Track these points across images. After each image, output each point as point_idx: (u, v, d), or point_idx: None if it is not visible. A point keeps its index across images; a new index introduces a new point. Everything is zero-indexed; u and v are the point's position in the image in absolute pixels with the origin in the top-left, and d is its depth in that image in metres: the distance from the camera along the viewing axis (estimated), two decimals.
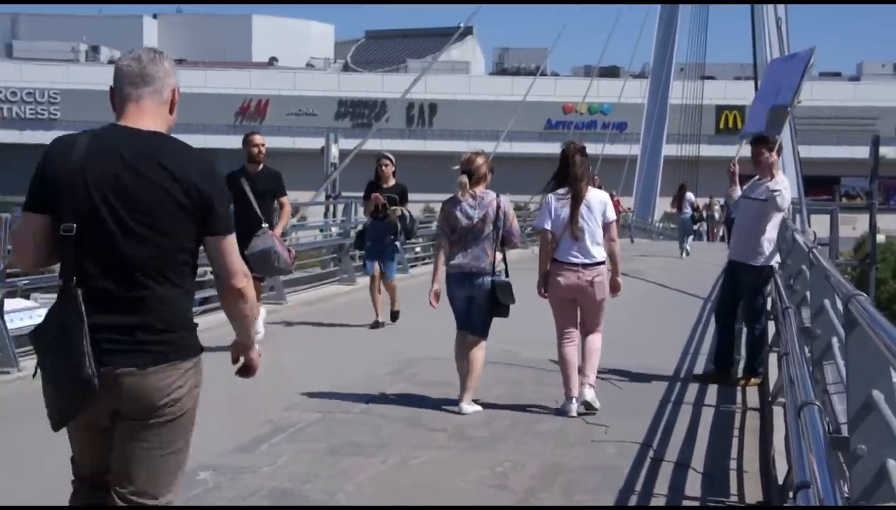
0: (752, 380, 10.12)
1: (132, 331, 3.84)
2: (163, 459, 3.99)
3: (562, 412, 8.77)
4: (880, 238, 25.07)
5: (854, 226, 48.07)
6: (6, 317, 10.19)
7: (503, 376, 10.41)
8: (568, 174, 8.91)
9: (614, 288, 9.08)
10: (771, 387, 9.23)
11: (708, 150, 68.69)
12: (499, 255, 9.02)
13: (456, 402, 8.79)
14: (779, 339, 9.39)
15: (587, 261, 8.82)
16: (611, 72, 77.47)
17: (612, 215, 9.03)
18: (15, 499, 6.21)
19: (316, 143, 50.40)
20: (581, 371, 8.91)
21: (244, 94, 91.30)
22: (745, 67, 61.32)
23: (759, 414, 8.89)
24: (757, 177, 10.48)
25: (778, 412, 7.84)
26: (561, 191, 8.96)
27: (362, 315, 13.85)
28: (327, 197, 27.52)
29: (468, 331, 9.02)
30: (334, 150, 38.74)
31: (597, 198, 9.00)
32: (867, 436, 3.71)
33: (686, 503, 6.37)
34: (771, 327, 11.07)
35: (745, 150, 11.25)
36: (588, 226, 8.82)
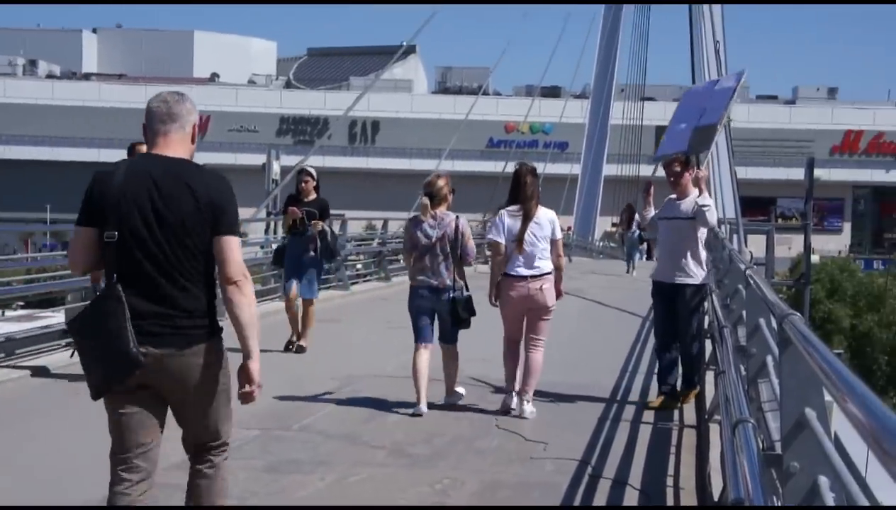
0: (691, 392, 10.11)
1: (163, 318, 4.68)
2: (214, 407, 5.07)
3: (504, 407, 9.50)
4: (815, 258, 25.36)
5: (789, 246, 48.64)
6: None
7: (441, 393, 10.41)
8: (519, 193, 9.55)
9: (557, 293, 9.65)
10: (708, 404, 9.32)
11: (648, 170, 69.23)
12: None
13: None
14: (716, 358, 9.49)
15: (535, 272, 9.43)
16: (552, 92, 77.87)
17: (559, 233, 9.73)
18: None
19: (257, 159, 50.22)
20: (522, 385, 9.48)
21: None
22: (685, 89, 61.95)
23: (696, 431, 8.95)
24: (674, 196, 10.23)
25: (714, 429, 7.90)
26: (513, 208, 9.57)
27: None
28: (268, 213, 27.36)
29: (441, 342, 9.77)
30: (276, 167, 38.55)
31: (546, 216, 9.58)
32: (800, 454, 3.75)
33: None
34: (708, 346, 11.17)
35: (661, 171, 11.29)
36: (536, 241, 9.45)
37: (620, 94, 59.12)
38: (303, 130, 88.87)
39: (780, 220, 76.33)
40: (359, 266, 25.07)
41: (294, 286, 12.83)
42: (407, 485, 7.02)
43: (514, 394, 9.52)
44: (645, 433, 8.89)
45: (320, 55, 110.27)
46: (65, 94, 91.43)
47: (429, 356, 9.66)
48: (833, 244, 79.15)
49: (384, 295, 20.64)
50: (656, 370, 10.50)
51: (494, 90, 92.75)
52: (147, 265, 4.69)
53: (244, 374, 4.85)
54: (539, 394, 10.17)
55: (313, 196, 13.01)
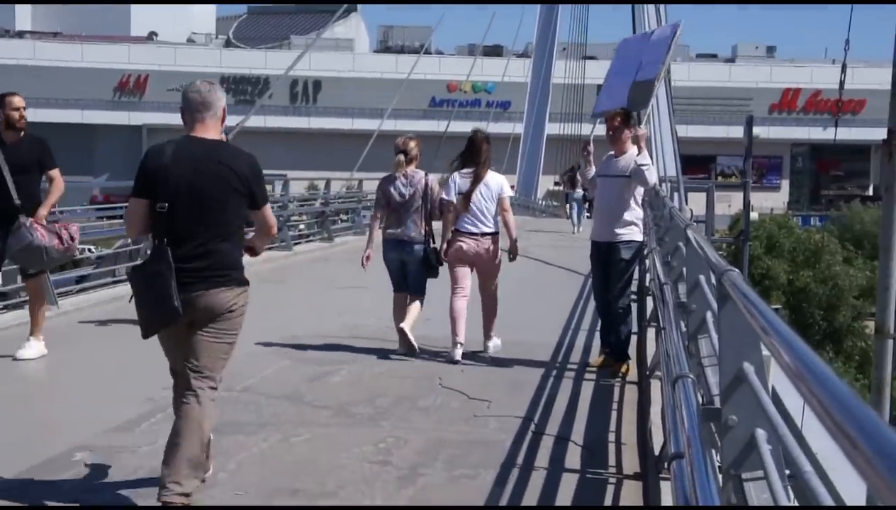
0: (621, 366, 9.69)
1: (203, 270, 5.75)
2: (217, 346, 5.96)
3: (450, 358, 10.11)
4: (754, 215, 25.54)
5: (729, 203, 49.00)
6: None
7: (386, 352, 10.43)
8: (473, 157, 10.51)
9: (513, 252, 10.66)
10: (649, 360, 9.41)
11: (590, 129, 69.50)
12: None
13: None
14: (657, 315, 9.56)
15: (483, 230, 10.39)
16: (495, 51, 77.77)
17: (506, 192, 10.65)
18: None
19: None
20: (485, 327, 10.59)
21: (122, 69, 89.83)
22: None
23: (638, 387, 9.04)
24: (612, 153, 10.00)
25: (655, 385, 7.99)
26: (466, 170, 10.51)
27: (252, 293, 13.74)
28: None
29: (408, 292, 10.56)
30: None
31: (494, 179, 10.52)
32: (738, 407, 3.79)
33: (566, 475, 6.45)
34: (649, 303, 11.26)
35: (600, 129, 11.22)
36: (484, 201, 10.39)
37: (562, 53, 59.12)
38: (244, 90, 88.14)
39: (719, 178, 76.46)
40: (301, 226, 24.99)
41: None
42: (350, 445, 7.03)
43: (458, 346, 10.15)
44: (587, 390, 8.97)
45: (260, 13, 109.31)
46: None
47: (405, 301, 10.55)
48: (772, 201, 79.91)
49: (327, 255, 20.62)
50: (598, 328, 10.47)
51: (437, 49, 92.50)
52: (191, 230, 5.74)
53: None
54: (481, 353, 10.27)
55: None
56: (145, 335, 5.88)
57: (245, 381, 8.77)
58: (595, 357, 10.11)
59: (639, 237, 9.98)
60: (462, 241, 10.41)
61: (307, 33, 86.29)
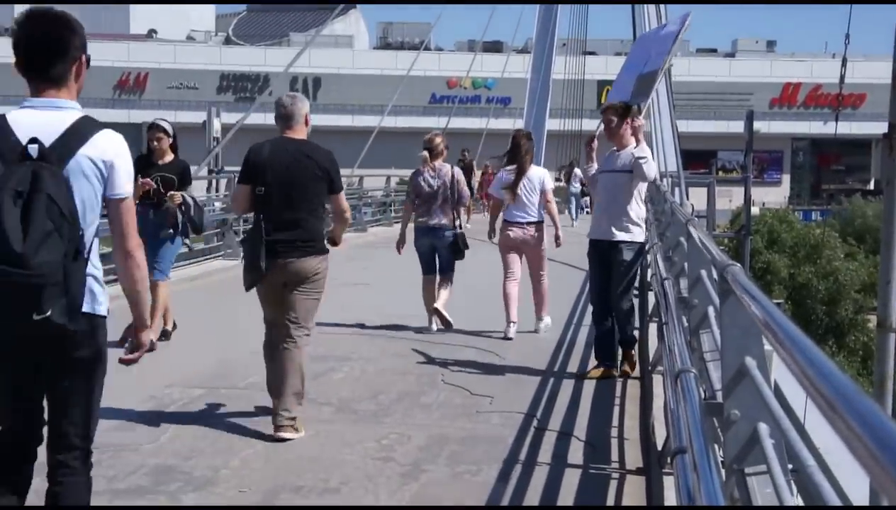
0: (627, 366, 9.50)
1: (294, 241, 7.32)
2: (308, 302, 7.45)
3: (504, 335, 11.27)
4: (755, 210, 25.55)
5: (730, 198, 48.92)
6: None
7: (389, 349, 10.46)
8: (516, 153, 11.61)
9: (557, 240, 11.96)
10: (651, 355, 9.40)
11: (590, 125, 69.21)
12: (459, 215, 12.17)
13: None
14: (658, 310, 9.55)
15: (529, 219, 11.51)
16: (494, 46, 77.64)
17: (548, 185, 11.75)
18: None
19: (198, 117, 49.71)
20: (536, 309, 11.78)
21: (122, 67, 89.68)
22: (626, 43, 61.96)
23: (640, 382, 9.04)
24: (614, 148, 9.69)
25: (657, 380, 7.98)
26: (510, 167, 11.64)
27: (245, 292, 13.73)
28: (210, 172, 27.15)
29: (440, 273, 11.84)
30: (217, 125, 38.33)
31: (536, 173, 11.67)
32: (740, 402, 3.80)
33: (569, 470, 6.46)
34: (651, 298, 11.24)
35: None
36: (527, 193, 11.48)
37: (562, 49, 59.07)
38: (243, 87, 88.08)
39: (720, 173, 76.88)
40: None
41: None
42: (354, 441, 7.05)
43: (511, 324, 11.33)
44: (589, 385, 8.96)
45: (260, 11, 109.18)
46: None
47: (435, 284, 11.80)
48: (772, 196, 79.78)
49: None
50: (594, 338, 9.83)
51: (436, 45, 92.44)
52: (283, 209, 7.34)
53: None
54: (487, 350, 10.28)
55: (170, 157, 10.51)
56: (247, 289, 7.62)
57: (249, 378, 8.79)
58: (591, 367, 9.56)
59: (641, 238, 9.60)
60: (510, 230, 11.57)
61: (306, 30, 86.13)
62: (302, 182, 7.39)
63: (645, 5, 44.07)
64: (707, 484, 3.21)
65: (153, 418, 7.55)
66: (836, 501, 2.61)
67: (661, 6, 43.24)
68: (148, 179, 10.14)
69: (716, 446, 3.98)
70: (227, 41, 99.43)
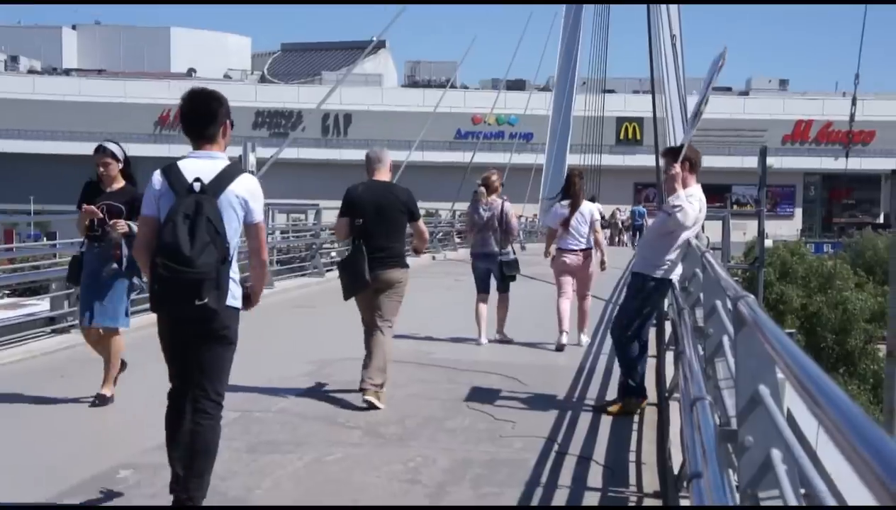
0: (632, 403, 8.97)
1: (384, 258, 9.10)
2: (393, 303, 9.27)
3: (557, 345, 12.39)
4: (768, 243, 25.43)
5: (744, 231, 48.81)
6: None
7: (415, 375, 10.45)
8: (570, 189, 12.85)
9: (602, 265, 13.20)
10: (668, 383, 9.36)
11: (609, 160, 69.48)
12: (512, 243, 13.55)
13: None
14: (675, 338, 9.52)
15: (579, 247, 12.74)
16: (517, 84, 77.72)
17: (596, 216, 13.02)
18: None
19: (234, 151, 49.90)
20: (579, 325, 12.95)
21: (163, 104, 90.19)
22: (644, 82, 61.87)
23: (657, 408, 8.99)
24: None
25: (674, 407, 7.95)
26: (565, 202, 12.83)
27: (279, 318, 13.77)
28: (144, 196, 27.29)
29: (498, 293, 13.18)
30: (252, 159, 38.30)
31: (587, 207, 12.89)
32: (754, 429, 3.78)
33: (588, 493, 6.43)
34: (668, 327, 11.20)
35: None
36: (579, 225, 12.69)
37: (582, 87, 59.12)
38: (277, 123, 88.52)
39: (735, 207, 76.67)
40: (333, 254, 24.98)
41: (92, 311, 8.83)
42: (381, 464, 7.04)
43: (563, 333, 12.42)
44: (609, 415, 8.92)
45: (293, 50, 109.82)
46: (46, 88, 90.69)
47: (486, 304, 13.01)
48: (785, 229, 79.50)
49: None
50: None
51: (462, 83, 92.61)
52: (375, 234, 9.14)
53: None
54: (510, 377, 10.27)
55: (120, 184, 8.97)
56: (346, 298, 9.34)
57: (280, 403, 8.81)
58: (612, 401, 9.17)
59: (658, 274, 8.97)
60: (564, 257, 12.78)
61: (338, 69, 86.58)
62: (389, 214, 9.23)
63: (662, 45, 44.03)
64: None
65: None
66: None
67: (678, 54, 43.12)
68: (92, 207, 8.68)
69: (730, 471, 3.97)
70: (263, 79, 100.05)
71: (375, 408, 8.73)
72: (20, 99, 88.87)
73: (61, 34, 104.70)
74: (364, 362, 9.02)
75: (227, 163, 5.86)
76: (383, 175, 9.46)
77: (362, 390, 8.81)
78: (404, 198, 9.32)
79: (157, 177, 5.79)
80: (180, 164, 5.81)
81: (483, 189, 13.22)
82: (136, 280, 8.85)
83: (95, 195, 8.84)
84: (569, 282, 12.83)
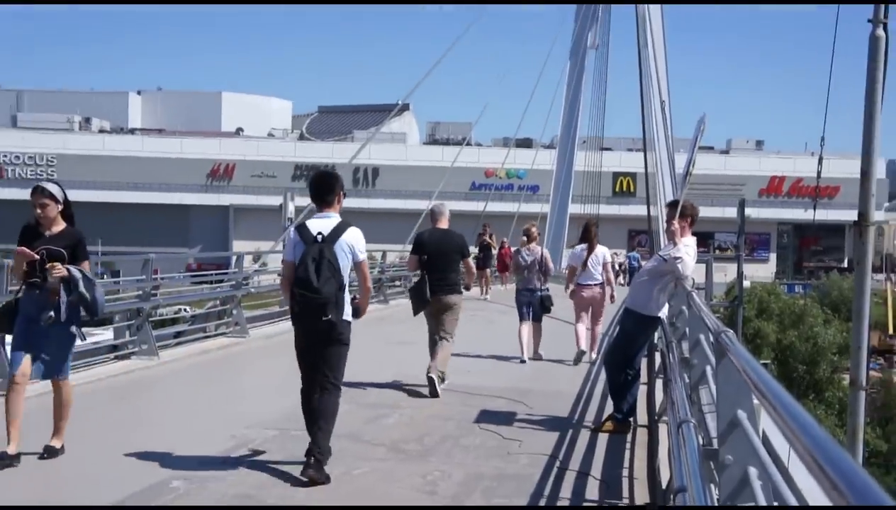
0: (616, 425, 8.85)
1: (443, 286, 10.88)
2: (452, 321, 11.05)
3: (576, 357, 13.68)
4: (746, 283, 25.35)
5: (725, 273, 48.66)
6: (7, 349, 9.99)
7: (432, 399, 10.41)
8: (588, 236, 13.89)
9: (612, 298, 14.23)
10: (657, 407, 9.32)
11: (606, 209, 69.26)
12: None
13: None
14: (664, 367, 9.48)
15: (595, 282, 13.90)
16: (525, 142, 77.77)
17: (608, 259, 14.09)
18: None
19: (276, 200, 50.13)
20: (591, 345, 14.12)
21: (214, 159, 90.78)
22: (637, 141, 61.99)
23: (647, 430, 8.96)
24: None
25: (662, 428, 7.92)
26: (582, 245, 13.93)
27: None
28: (285, 246, 27.39)
29: (533, 321, 14.25)
30: (291, 207, 38.62)
31: (601, 250, 13.94)
32: (733, 449, 3.77)
33: (586, 504, 6.39)
34: (657, 358, 11.16)
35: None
36: (594, 265, 13.83)
37: (582, 145, 59.20)
38: None
39: (717, 252, 76.50)
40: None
41: (25, 361, 7.17)
42: (403, 477, 7.02)
43: (581, 349, 13.72)
44: (604, 433, 8.88)
45: (329, 112, 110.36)
46: (114, 145, 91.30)
47: (529, 329, 14.11)
48: (761, 271, 79.19)
49: (383, 315, 20.63)
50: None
51: (476, 141, 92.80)
52: (437, 268, 10.93)
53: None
54: (517, 400, 10.24)
55: (60, 227, 7.40)
56: (415, 314, 11.24)
57: None
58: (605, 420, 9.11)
59: (648, 312, 8.91)
60: (583, 291, 13.89)
61: (367, 128, 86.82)
62: (447, 252, 11.06)
63: (652, 109, 44.12)
64: None
65: (234, 455, 7.55)
66: None
67: (666, 117, 43.22)
68: (25, 248, 7.22)
69: (712, 486, 3.94)
70: (301, 137, 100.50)
71: (436, 393, 10.55)
72: (92, 155, 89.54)
73: (128, 98, 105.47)
74: (431, 357, 10.94)
75: (339, 220, 7.18)
76: (443, 223, 11.23)
77: (428, 372, 10.71)
78: (459, 241, 11.23)
79: (292, 231, 7.30)
80: (308, 222, 7.20)
81: (524, 238, 14.61)
82: (73, 329, 7.36)
83: (35, 239, 7.28)
84: (586, 311, 13.96)
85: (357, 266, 7.27)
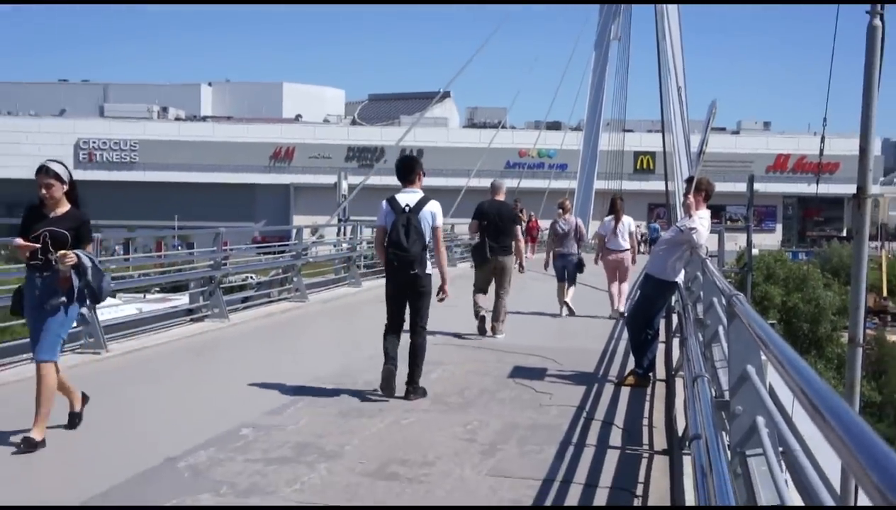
0: (637, 379, 8.79)
1: (499, 248, 11.93)
2: (505, 278, 11.99)
3: (613, 314, 14.27)
4: (755, 251, 25.12)
5: (736, 242, 48.17)
6: (98, 311, 10.15)
7: (472, 356, 10.43)
8: (614, 209, 14.65)
9: (633, 260, 14.85)
10: (674, 363, 9.28)
11: (628, 185, 68.74)
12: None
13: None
14: (681, 327, 9.43)
15: (621, 248, 14.58)
16: (554, 125, 76.97)
17: (632, 228, 14.90)
18: (109, 449, 6.20)
19: (330, 179, 50.18)
20: (619, 299, 14.48)
21: (276, 143, 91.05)
22: (655, 123, 61.44)
23: (665, 384, 8.93)
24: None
25: (679, 382, 7.89)
26: (610, 216, 14.69)
27: (367, 310, 13.83)
28: (339, 220, 27.40)
29: (568, 281, 14.86)
30: (344, 185, 38.61)
31: (626, 220, 14.65)
32: (743, 400, 3.75)
33: (610, 451, 6.39)
34: (675, 319, 11.10)
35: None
36: (621, 232, 14.52)
37: (606, 127, 58.70)
38: (365, 157, 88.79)
39: (728, 223, 75.78)
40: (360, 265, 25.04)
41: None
42: (445, 426, 7.04)
43: (615, 309, 14.32)
44: (626, 387, 8.86)
45: (378, 99, 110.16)
46: (188, 132, 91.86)
47: (564, 287, 14.76)
48: (768, 241, 78.41)
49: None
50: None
51: (511, 124, 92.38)
52: (494, 232, 11.80)
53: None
54: (547, 358, 10.23)
55: (64, 208, 6.49)
56: (477, 269, 12.30)
57: (366, 377, 8.83)
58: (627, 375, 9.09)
59: (663, 276, 8.88)
60: (611, 255, 14.59)
61: (412, 113, 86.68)
62: (502, 219, 12.00)
63: (670, 95, 43.65)
64: (717, 462, 3.17)
65: (295, 407, 7.61)
66: (816, 476, 2.57)
67: (683, 101, 42.74)
68: (19, 240, 6.38)
69: (723, 433, 3.92)
70: (353, 122, 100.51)
71: (484, 331, 11.85)
72: (169, 140, 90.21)
73: (200, 89, 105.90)
74: (493, 312, 11.92)
75: (422, 194, 8.14)
76: (500, 196, 12.34)
77: (493, 330, 11.83)
78: (511, 212, 12.40)
79: (384, 203, 8.07)
80: (397, 196, 8.09)
81: (560, 210, 15.39)
82: (85, 310, 7.17)
83: (38, 220, 6.42)
84: (615, 274, 14.67)
85: (434, 231, 8.07)
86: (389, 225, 7.95)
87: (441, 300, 8.26)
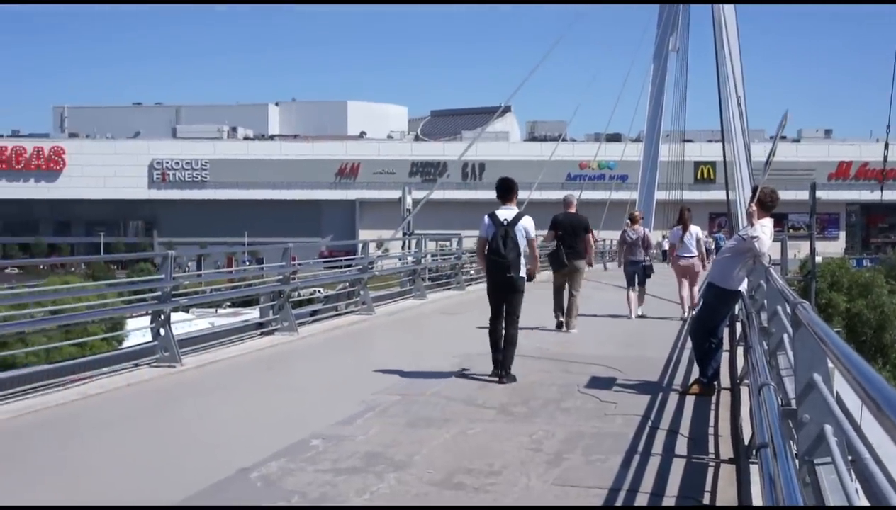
0: (702, 388, 8.60)
1: (572, 254, 13.46)
2: (578, 280, 13.66)
3: (681, 316, 15.17)
4: (818, 259, 24.73)
5: (798, 250, 47.45)
6: (172, 326, 10.32)
7: (535, 367, 10.38)
8: (682, 219, 15.22)
9: (703, 265, 15.23)
10: (739, 372, 9.13)
11: (689, 195, 68.04)
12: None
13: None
14: (745, 336, 9.28)
15: (690, 255, 15.28)
16: (614, 137, 76.48)
17: (701, 237, 15.53)
18: (185, 458, 6.28)
19: (395, 194, 50.48)
20: (690, 306, 14.83)
21: (341, 159, 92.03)
22: (715, 132, 60.73)
23: (730, 392, 8.78)
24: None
25: (744, 391, 7.76)
26: (678, 227, 15.40)
27: (431, 322, 13.84)
28: (404, 234, 27.54)
29: (638, 286, 16.15)
30: (408, 200, 38.78)
31: (694, 229, 15.28)
32: (810, 408, 3.68)
33: (675, 460, 6.30)
34: (739, 328, 10.92)
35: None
36: (690, 240, 15.22)
37: (666, 138, 58.24)
38: (428, 172, 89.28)
39: (791, 231, 74.60)
40: (472, 271, 25.07)
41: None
42: (511, 436, 7.00)
43: (685, 310, 15.07)
44: (691, 395, 8.73)
45: (440, 115, 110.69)
46: (257, 150, 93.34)
47: (635, 293, 15.90)
48: (832, 248, 77.00)
49: (481, 295, 20.52)
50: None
51: (571, 137, 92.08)
52: (569, 240, 13.36)
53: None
54: (611, 367, 10.14)
55: None
56: (555, 272, 13.76)
57: (433, 388, 8.83)
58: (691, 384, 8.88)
59: (725, 285, 8.64)
60: (680, 261, 15.32)
61: (474, 128, 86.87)
62: (576, 229, 13.55)
63: (730, 104, 43.12)
64: (785, 471, 3.11)
65: (364, 418, 7.64)
66: (887, 484, 2.50)
67: (742, 111, 42.18)
68: None
69: (791, 442, 3.85)
70: (416, 138, 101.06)
71: (561, 327, 13.43)
72: (238, 159, 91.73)
73: (267, 109, 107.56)
74: (566, 314, 13.48)
75: (517, 210, 9.54)
76: (572, 209, 13.92)
77: (567, 326, 13.40)
78: (584, 221, 13.85)
79: (486, 218, 9.42)
80: (497, 212, 9.43)
81: (629, 220, 16.90)
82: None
83: None
84: (684, 279, 15.41)
85: (529, 242, 9.44)
86: (490, 236, 9.31)
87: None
